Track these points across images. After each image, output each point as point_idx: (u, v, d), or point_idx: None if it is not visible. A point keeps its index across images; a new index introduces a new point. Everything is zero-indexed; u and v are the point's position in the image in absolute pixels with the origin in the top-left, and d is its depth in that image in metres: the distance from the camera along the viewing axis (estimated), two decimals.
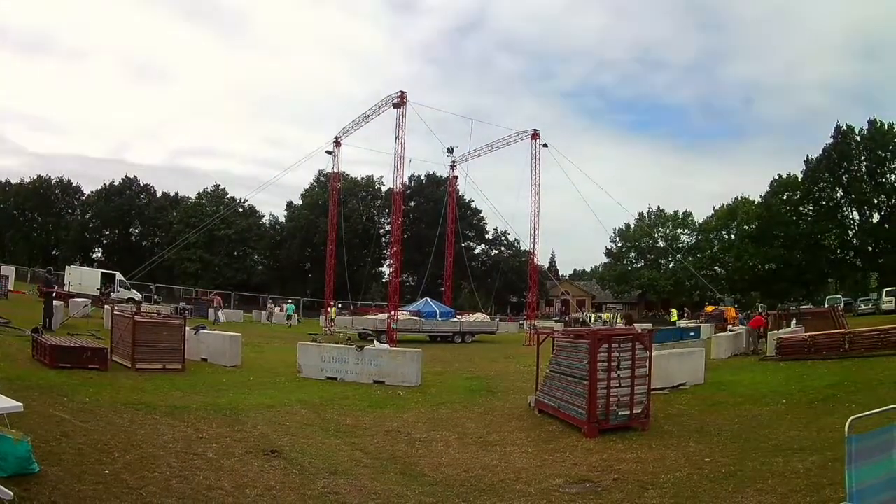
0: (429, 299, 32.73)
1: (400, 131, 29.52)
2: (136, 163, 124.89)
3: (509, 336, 34.12)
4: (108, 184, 65.85)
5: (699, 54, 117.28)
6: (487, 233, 67.02)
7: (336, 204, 40.13)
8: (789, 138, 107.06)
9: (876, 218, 49.84)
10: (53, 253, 68.46)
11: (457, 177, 39.86)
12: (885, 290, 37.65)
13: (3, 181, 67.43)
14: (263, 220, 66.53)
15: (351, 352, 13.39)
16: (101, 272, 41.67)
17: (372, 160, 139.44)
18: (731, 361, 16.27)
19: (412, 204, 59.48)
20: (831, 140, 50.50)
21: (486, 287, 65.94)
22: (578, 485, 5.90)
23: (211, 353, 14.49)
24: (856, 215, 51.16)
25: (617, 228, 64.37)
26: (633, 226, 62.39)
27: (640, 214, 62.97)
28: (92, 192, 67.34)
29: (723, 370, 14.09)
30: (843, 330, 16.33)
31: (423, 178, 62.98)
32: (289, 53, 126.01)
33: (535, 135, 34.22)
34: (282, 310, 41.63)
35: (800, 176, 53.06)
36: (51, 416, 7.08)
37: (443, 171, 46.73)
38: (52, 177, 68.23)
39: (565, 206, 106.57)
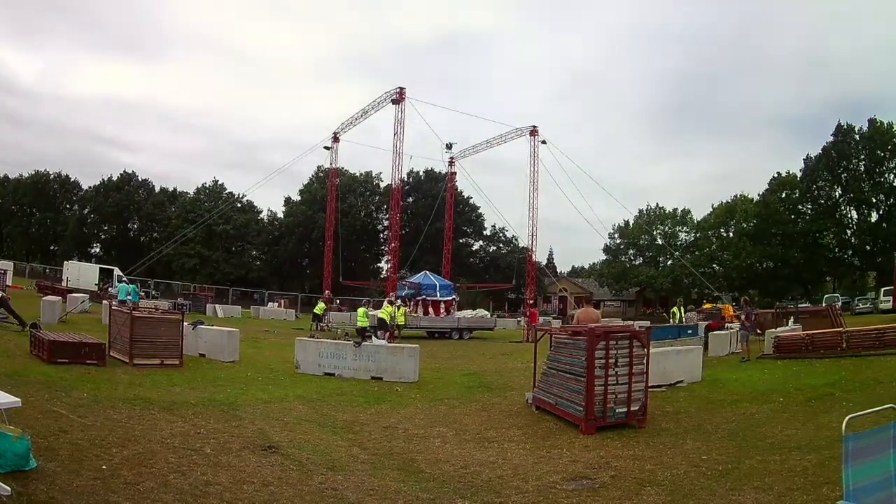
0: (428, 272, 32.70)
1: (399, 127, 29.57)
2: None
3: (507, 333, 34.12)
4: (106, 179, 65.91)
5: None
6: (485, 229, 67.06)
7: (334, 199, 40.15)
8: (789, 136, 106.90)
9: (874, 217, 49.89)
10: (52, 248, 68.49)
11: (455, 173, 39.95)
12: (882, 289, 37.71)
13: (2, 176, 67.47)
14: (261, 215, 66.55)
15: (348, 348, 13.40)
16: (100, 267, 41.70)
17: (371, 156, 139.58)
18: (729, 359, 16.28)
19: (410, 200, 59.48)
20: (831, 139, 50.54)
21: (484, 283, 66.01)
22: (575, 482, 5.91)
23: (209, 349, 14.49)
24: (854, 214, 51.23)
25: (615, 225, 64.48)
26: (631, 223, 62.42)
27: (640, 211, 63.05)
28: (90, 187, 67.45)
29: (720, 368, 14.10)
30: (840, 329, 16.36)
31: (421, 174, 62.97)
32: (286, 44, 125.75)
33: (533, 132, 34.26)
34: (279, 305, 41.61)
35: (799, 174, 53.14)
36: (48, 412, 7.08)
37: (441, 168, 46.74)
38: (51, 172, 68.30)
39: (564, 202, 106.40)
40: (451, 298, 30.97)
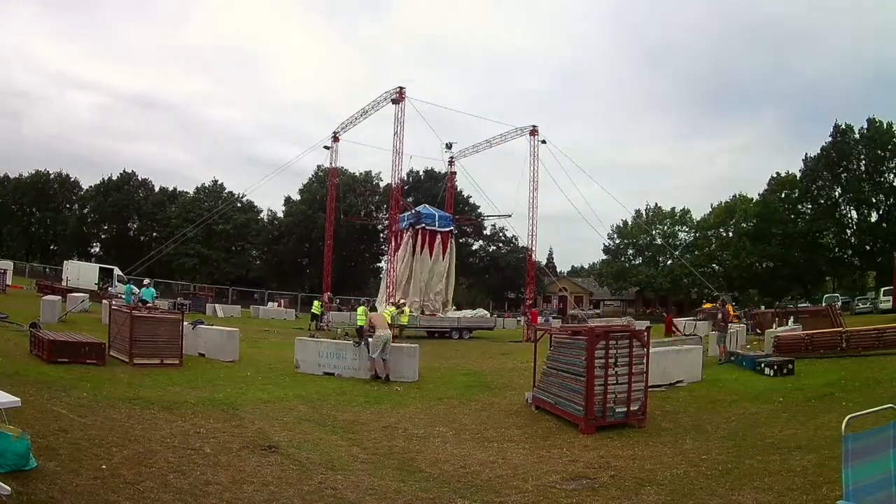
0: (427, 205, 33.22)
1: (398, 127, 29.54)
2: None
3: (507, 332, 34.13)
4: (106, 178, 65.88)
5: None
6: (485, 229, 67.02)
7: (334, 199, 40.09)
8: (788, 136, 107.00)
9: (874, 217, 49.88)
10: (51, 247, 68.47)
11: (455, 172, 39.87)
12: (882, 289, 37.69)
13: (2, 175, 67.43)
14: (261, 215, 66.50)
15: (348, 347, 13.40)
16: (100, 267, 41.70)
17: (371, 156, 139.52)
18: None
19: (410, 199, 59.40)
20: (830, 139, 50.55)
21: (485, 283, 66.05)
22: (575, 481, 5.91)
23: (209, 349, 14.49)
24: (854, 214, 51.21)
25: (615, 225, 64.51)
26: (630, 223, 62.45)
27: (638, 211, 63.09)
28: (90, 186, 67.45)
29: (720, 368, 14.10)
30: (840, 329, 16.36)
31: (421, 173, 62.89)
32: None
33: (533, 131, 34.19)
34: (279, 305, 41.58)
35: (798, 174, 53.15)
36: (48, 411, 7.08)
37: (441, 167, 46.68)
38: (51, 171, 68.32)
39: (564, 202, 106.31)
40: (448, 230, 31.81)
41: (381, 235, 61.52)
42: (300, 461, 6.22)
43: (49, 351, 10.94)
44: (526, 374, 11.79)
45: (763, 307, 36.71)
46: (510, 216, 35.47)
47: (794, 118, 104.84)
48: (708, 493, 5.36)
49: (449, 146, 35.34)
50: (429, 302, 30.39)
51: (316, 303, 31.15)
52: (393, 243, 31.65)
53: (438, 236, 31.15)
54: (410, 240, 30.91)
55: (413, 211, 31.93)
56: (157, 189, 67.67)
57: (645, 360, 8.65)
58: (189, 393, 9.70)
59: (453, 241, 32.03)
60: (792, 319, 20.85)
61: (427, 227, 30.91)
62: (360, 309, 18.11)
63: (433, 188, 56.51)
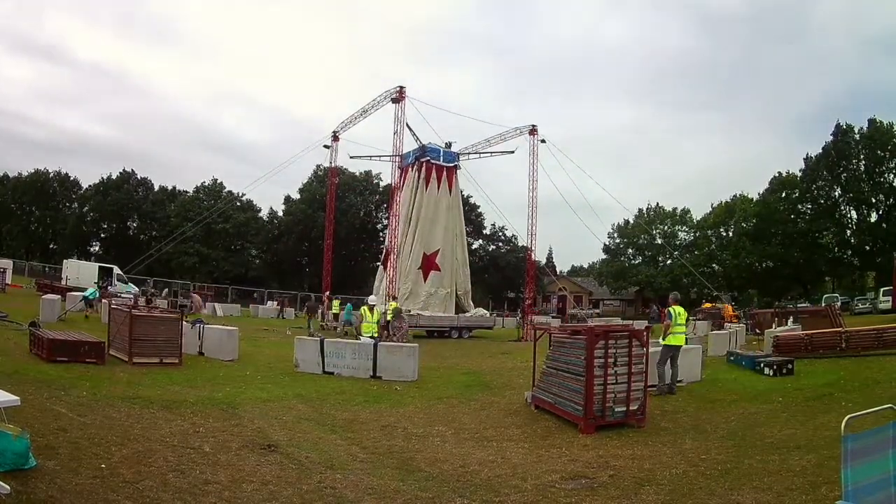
0: (431, 142, 33.29)
1: (398, 126, 29.52)
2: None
3: (507, 332, 34.14)
4: (105, 177, 65.90)
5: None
6: (485, 228, 66.99)
7: (334, 199, 40.10)
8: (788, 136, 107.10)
9: (874, 217, 49.90)
10: (51, 246, 68.48)
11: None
12: (881, 289, 37.68)
13: (1, 174, 67.45)
14: (261, 214, 66.45)
15: (348, 346, 13.39)
16: (99, 266, 41.67)
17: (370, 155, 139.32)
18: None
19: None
20: (831, 139, 50.55)
21: (484, 282, 65.97)
22: (574, 481, 5.91)
23: (208, 348, 14.49)
24: (854, 214, 51.26)
25: (615, 225, 64.53)
26: (631, 222, 62.49)
27: (639, 211, 63.11)
28: (90, 185, 67.46)
29: (719, 368, 14.10)
30: (840, 329, 16.36)
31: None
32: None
33: (533, 130, 34.17)
34: (278, 304, 41.54)
35: (798, 174, 53.15)
36: (48, 410, 7.09)
37: None
38: (50, 170, 68.34)
39: (563, 201, 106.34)
40: (453, 165, 32.18)
41: (381, 235, 61.53)
42: (299, 460, 6.22)
43: (48, 350, 10.94)
44: (525, 373, 11.79)
45: (756, 307, 36.70)
46: (513, 152, 35.16)
47: (795, 118, 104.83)
48: (707, 493, 5.35)
49: (448, 146, 35.35)
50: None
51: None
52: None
53: (444, 171, 31.37)
54: (416, 173, 30.89)
55: (419, 145, 31.79)
56: (156, 188, 67.73)
57: (644, 360, 8.65)
58: (188, 392, 9.70)
59: (457, 176, 32.41)
60: (791, 319, 20.85)
61: (433, 161, 31.03)
62: (363, 308, 18.16)
63: None
